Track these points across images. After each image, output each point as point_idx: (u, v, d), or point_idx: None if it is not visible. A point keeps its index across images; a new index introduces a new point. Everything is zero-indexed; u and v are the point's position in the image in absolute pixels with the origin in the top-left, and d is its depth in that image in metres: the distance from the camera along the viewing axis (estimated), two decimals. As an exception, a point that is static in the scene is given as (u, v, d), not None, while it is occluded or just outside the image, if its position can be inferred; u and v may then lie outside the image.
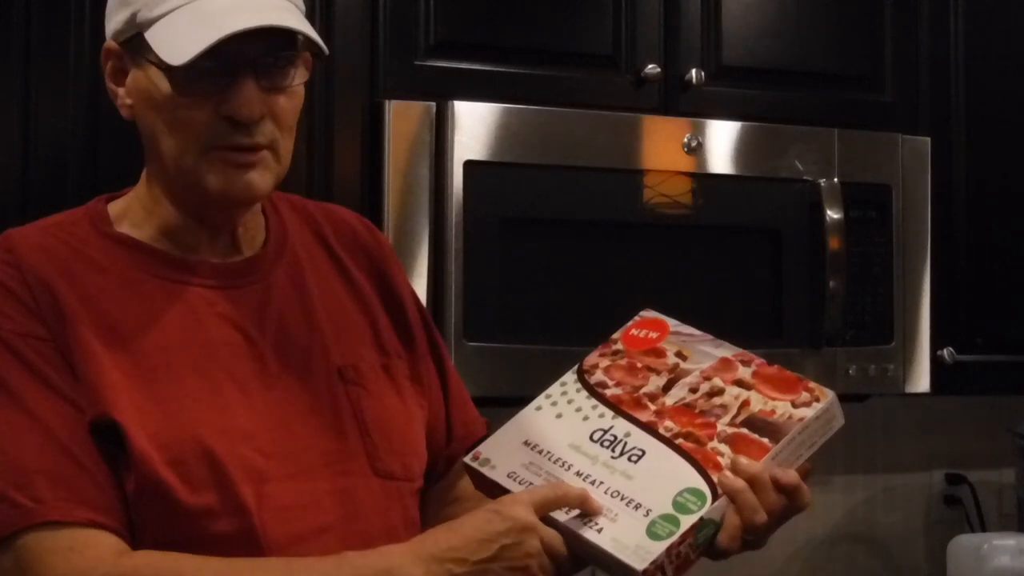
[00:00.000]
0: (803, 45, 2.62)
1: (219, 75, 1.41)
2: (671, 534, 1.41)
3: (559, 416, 1.56)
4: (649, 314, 1.66)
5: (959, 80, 2.75)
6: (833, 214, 2.51)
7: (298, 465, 1.45)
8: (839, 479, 3.07)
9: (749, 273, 2.52)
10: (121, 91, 1.47)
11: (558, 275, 2.36)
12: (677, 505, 1.44)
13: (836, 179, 2.53)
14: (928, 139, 2.66)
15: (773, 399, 1.52)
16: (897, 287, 2.60)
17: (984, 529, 3.08)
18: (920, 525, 3.15)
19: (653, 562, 1.40)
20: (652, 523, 1.43)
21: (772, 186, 2.52)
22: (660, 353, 1.60)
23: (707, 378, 1.56)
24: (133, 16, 1.43)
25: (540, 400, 1.59)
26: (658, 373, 1.58)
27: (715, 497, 1.44)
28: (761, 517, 1.43)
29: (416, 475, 1.56)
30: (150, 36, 1.41)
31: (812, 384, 1.55)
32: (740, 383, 1.55)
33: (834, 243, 2.51)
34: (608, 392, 1.57)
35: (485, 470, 1.52)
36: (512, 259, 2.32)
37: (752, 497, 1.43)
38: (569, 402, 1.57)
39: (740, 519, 1.43)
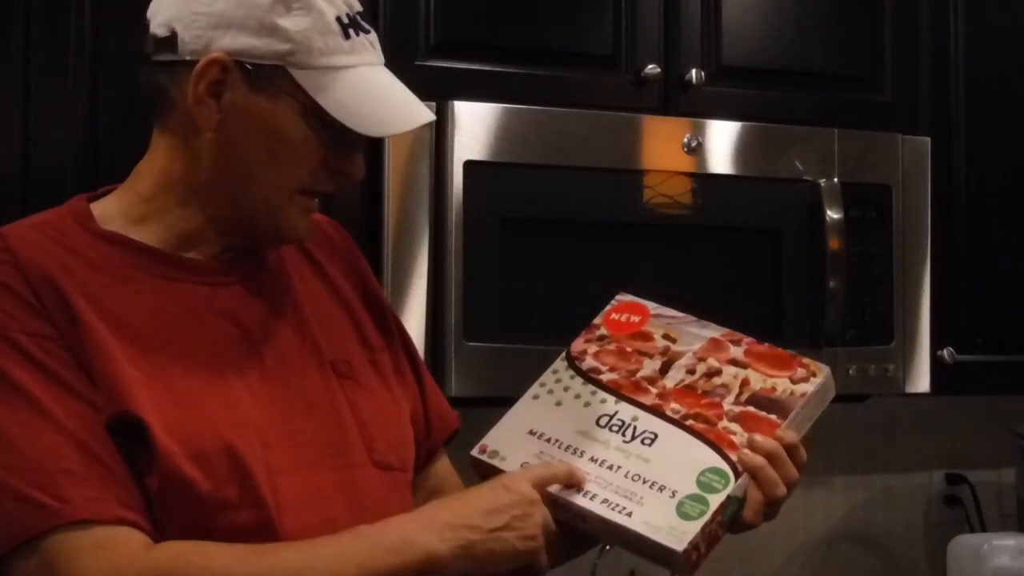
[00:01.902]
0: (803, 45, 2.62)
1: (350, 136, 1.47)
2: (702, 513, 1.45)
3: (559, 404, 1.58)
4: (626, 297, 1.68)
5: (959, 80, 2.75)
6: (833, 214, 2.51)
7: (303, 458, 1.47)
8: (839, 479, 3.07)
9: (749, 273, 2.52)
10: (213, 103, 1.46)
11: (558, 275, 2.36)
12: (702, 485, 1.48)
13: (836, 179, 2.53)
14: (928, 139, 2.65)
15: (771, 376, 1.56)
16: (897, 287, 2.60)
17: (984, 529, 3.08)
18: (920, 525, 3.15)
19: (691, 542, 1.44)
20: (680, 504, 1.46)
21: (772, 186, 2.52)
22: (647, 336, 1.62)
23: (701, 359, 1.59)
24: (287, 52, 1.44)
25: (535, 389, 1.61)
26: (651, 356, 1.60)
27: (737, 475, 1.48)
28: (782, 490, 1.51)
29: (410, 466, 1.59)
30: (309, 84, 1.45)
31: (806, 360, 1.58)
32: (735, 362, 1.58)
33: (834, 243, 2.51)
34: (603, 377, 1.59)
35: (496, 462, 1.55)
36: (512, 259, 2.32)
37: (772, 472, 1.50)
38: (566, 389, 1.59)
39: (762, 494, 1.50)
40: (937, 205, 2.66)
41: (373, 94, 1.48)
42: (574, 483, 1.50)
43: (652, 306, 1.65)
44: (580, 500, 1.49)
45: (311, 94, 1.45)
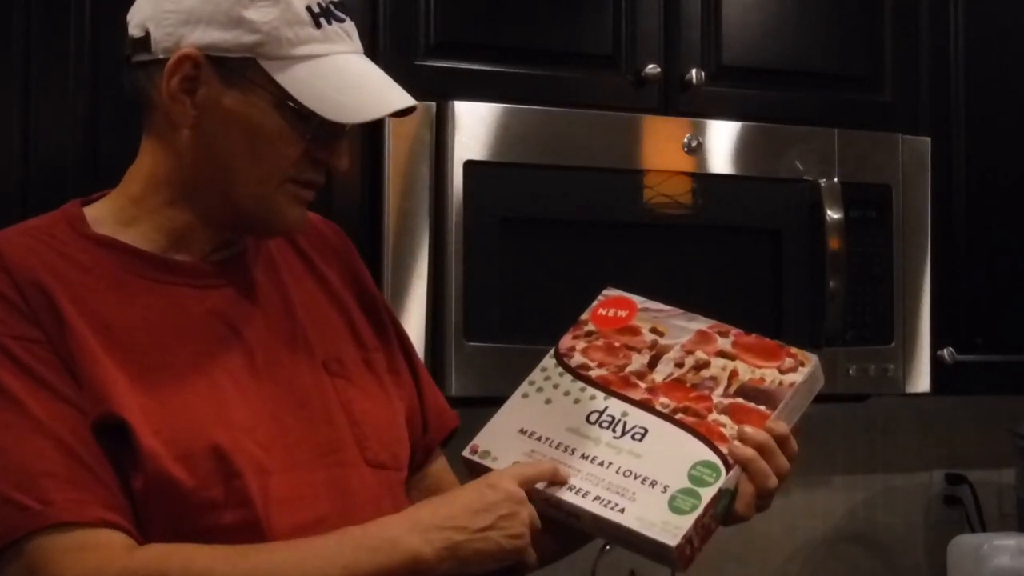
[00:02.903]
0: (803, 45, 2.62)
1: (329, 125, 1.47)
2: (695, 508, 1.45)
3: (548, 401, 1.58)
4: (613, 292, 1.68)
5: (959, 80, 2.75)
6: (833, 214, 2.51)
7: (294, 457, 1.48)
8: (839, 479, 3.07)
9: (749, 273, 2.52)
10: (187, 99, 1.47)
11: (558, 275, 2.36)
12: (693, 479, 1.48)
13: (836, 179, 2.53)
14: (928, 139, 2.66)
15: (759, 367, 1.57)
16: (897, 287, 2.60)
17: (984, 529, 3.08)
18: (920, 525, 3.15)
19: (684, 536, 1.44)
20: (672, 498, 1.47)
21: (772, 186, 2.52)
22: (635, 331, 1.62)
23: (689, 352, 1.59)
24: (255, 44, 1.45)
25: (524, 387, 1.61)
26: (639, 351, 1.60)
27: (728, 468, 1.48)
28: (773, 482, 1.50)
29: (403, 465, 1.60)
30: (280, 74, 1.45)
31: (794, 350, 1.59)
32: (723, 354, 1.58)
33: (834, 243, 2.51)
34: (593, 373, 1.59)
35: (487, 462, 1.55)
36: (512, 259, 2.32)
37: (763, 464, 1.50)
38: (555, 387, 1.60)
39: (754, 486, 1.50)
40: (937, 205, 2.66)
41: (346, 81, 1.47)
42: (559, 480, 1.50)
43: (639, 300, 1.66)
44: (572, 498, 1.49)
45: (282, 85, 1.45)
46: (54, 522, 1.35)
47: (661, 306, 1.65)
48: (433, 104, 2.27)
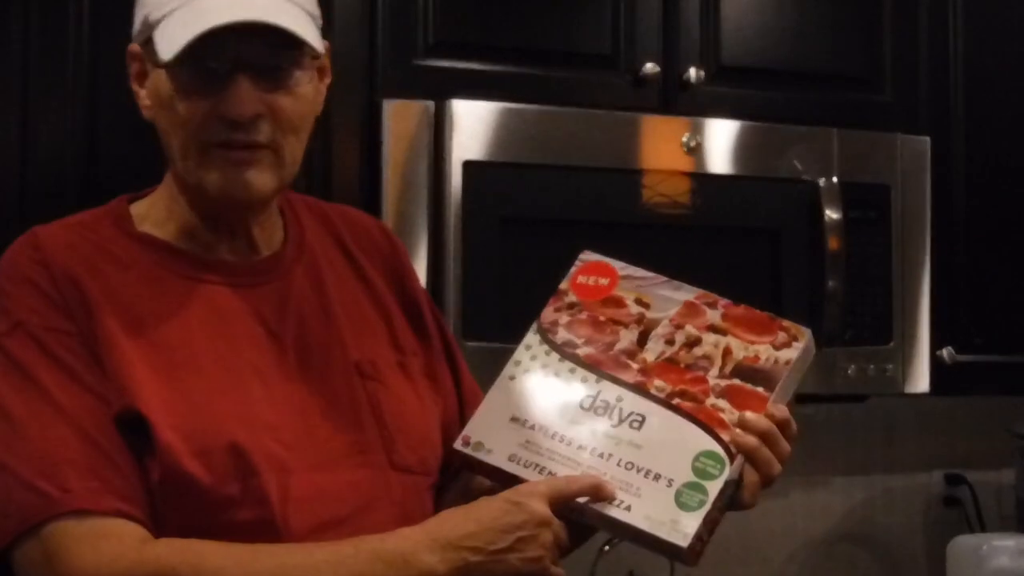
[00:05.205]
0: (803, 45, 2.62)
1: (215, 74, 1.44)
2: (702, 504, 1.42)
3: (537, 385, 1.53)
4: (590, 257, 1.62)
5: (958, 80, 2.74)
6: (832, 214, 2.51)
7: (318, 457, 1.48)
8: (839, 479, 3.07)
9: (749, 273, 2.52)
10: (143, 92, 1.50)
11: (558, 275, 2.34)
12: (697, 471, 1.44)
13: (835, 179, 2.53)
14: (928, 139, 2.65)
15: (753, 343, 1.51)
16: (896, 287, 2.60)
17: (984, 529, 3.08)
18: (920, 525, 3.15)
19: (695, 535, 1.41)
20: (678, 494, 1.43)
21: (772, 186, 2.52)
22: (619, 302, 1.56)
23: (679, 327, 1.53)
24: (145, 18, 1.46)
25: (510, 368, 1.56)
26: (626, 326, 1.54)
27: (731, 458, 1.44)
28: (777, 468, 1.47)
29: (431, 469, 1.58)
30: (155, 36, 1.45)
31: (786, 323, 1.53)
32: (714, 328, 1.53)
33: (833, 243, 2.50)
34: (580, 352, 1.53)
35: (481, 455, 1.51)
36: (512, 259, 2.32)
37: (767, 452, 1.46)
38: (543, 367, 1.54)
39: (758, 474, 1.47)
40: (937, 205, 2.65)
41: (191, 18, 1.42)
42: (602, 497, 1.44)
43: (619, 266, 1.59)
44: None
45: (156, 47, 1.44)
46: (71, 509, 1.37)
47: (643, 272, 1.59)
48: (432, 104, 2.27)
